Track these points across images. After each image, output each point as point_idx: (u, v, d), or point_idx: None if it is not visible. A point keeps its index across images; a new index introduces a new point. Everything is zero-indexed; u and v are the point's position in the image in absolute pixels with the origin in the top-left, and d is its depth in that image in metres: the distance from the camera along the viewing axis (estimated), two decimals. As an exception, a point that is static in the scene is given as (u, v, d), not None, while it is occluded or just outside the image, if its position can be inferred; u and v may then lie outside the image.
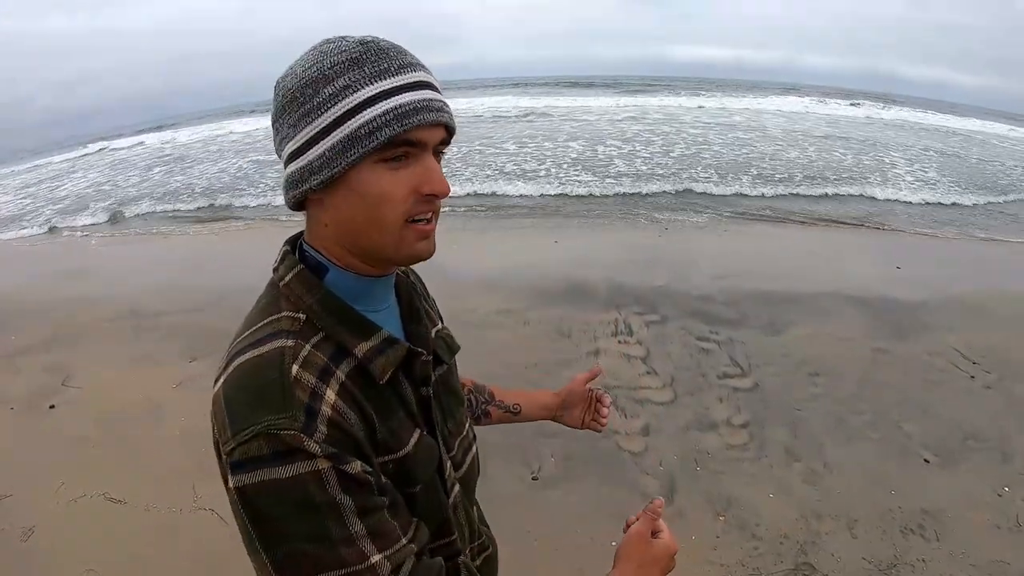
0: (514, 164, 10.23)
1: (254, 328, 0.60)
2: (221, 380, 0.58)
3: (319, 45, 0.59)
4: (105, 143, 20.80)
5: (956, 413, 2.93)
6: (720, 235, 6.43)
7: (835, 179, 9.35)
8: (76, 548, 2.21)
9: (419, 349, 0.66)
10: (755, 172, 9.64)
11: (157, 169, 13.52)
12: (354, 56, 0.56)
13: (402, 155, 0.58)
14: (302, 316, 0.60)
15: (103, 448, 2.81)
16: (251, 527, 0.54)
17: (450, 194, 0.62)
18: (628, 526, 0.77)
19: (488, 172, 9.66)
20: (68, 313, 4.46)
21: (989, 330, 3.80)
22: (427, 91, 0.58)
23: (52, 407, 3.18)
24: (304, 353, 0.57)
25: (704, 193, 8.38)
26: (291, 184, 0.61)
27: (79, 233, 8.33)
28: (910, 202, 8.29)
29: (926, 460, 2.60)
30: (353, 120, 0.55)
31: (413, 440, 0.64)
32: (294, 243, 0.66)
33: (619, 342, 3.65)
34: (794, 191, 8.55)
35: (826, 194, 8.44)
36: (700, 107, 19.90)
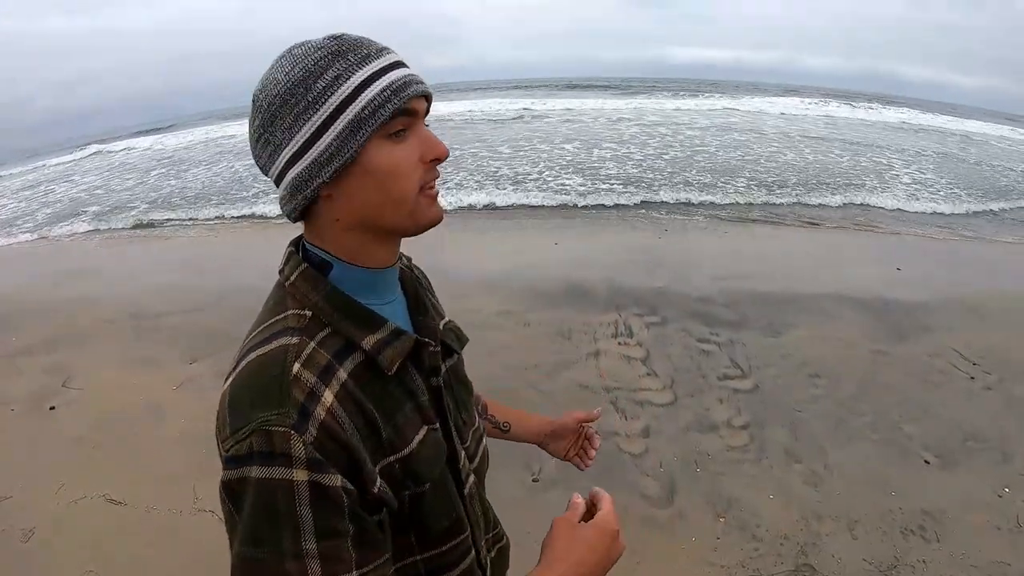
0: (522, 175, 10.20)
1: (262, 327, 0.61)
2: (229, 380, 0.59)
3: (289, 52, 0.60)
4: (100, 146, 20.76)
5: (956, 414, 2.93)
6: (720, 236, 6.43)
7: (835, 180, 9.36)
8: (76, 549, 2.21)
9: (427, 339, 0.67)
10: (753, 172, 9.65)
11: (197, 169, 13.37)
12: (333, 50, 0.58)
13: (402, 129, 0.60)
14: (308, 313, 0.61)
15: (103, 449, 2.81)
16: (225, 520, 0.56)
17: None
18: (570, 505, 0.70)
19: (488, 179, 9.62)
20: (68, 314, 4.47)
21: (989, 331, 3.80)
22: (405, 68, 0.61)
23: (52, 408, 3.18)
24: (307, 351, 0.58)
25: (704, 193, 8.36)
26: (297, 188, 0.60)
27: (72, 239, 8.31)
28: (911, 203, 8.29)
29: (926, 461, 2.60)
30: (354, 104, 0.57)
31: (418, 438, 0.64)
32: (298, 245, 0.67)
33: (619, 343, 3.65)
34: (794, 192, 8.54)
35: (826, 195, 8.43)
36: (699, 108, 19.90)
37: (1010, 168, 11.73)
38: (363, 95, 0.57)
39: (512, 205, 8.13)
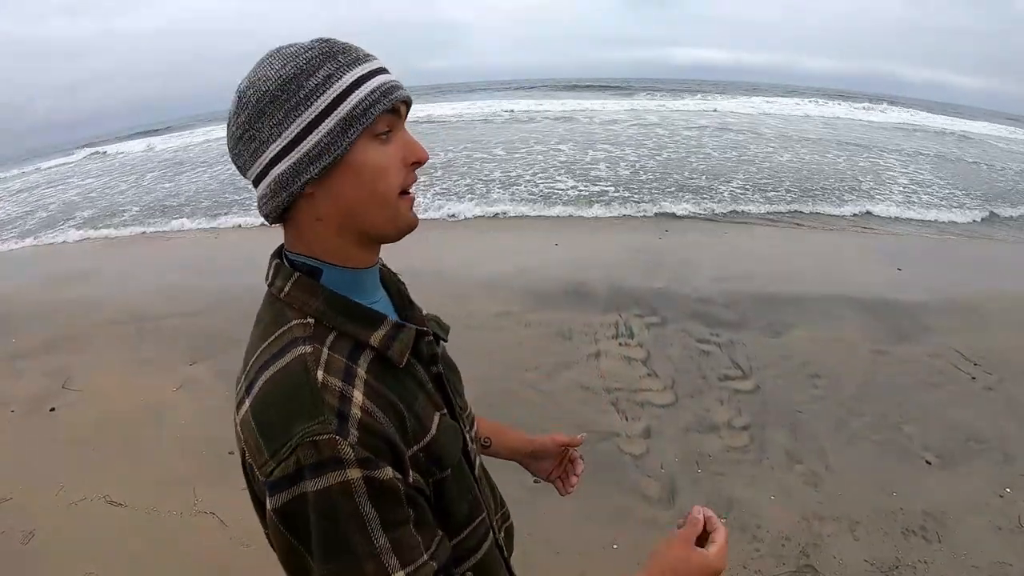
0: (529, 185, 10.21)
1: (267, 343, 0.61)
2: (247, 404, 0.58)
3: (278, 51, 0.60)
4: (95, 149, 20.72)
5: (957, 414, 2.92)
6: (720, 237, 6.42)
7: (836, 180, 9.36)
8: (76, 551, 2.21)
9: (423, 329, 0.68)
10: (755, 173, 9.65)
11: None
12: (323, 51, 0.60)
13: (387, 130, 0.62)
14: (311, 320, 0.61)
15: (103, 451, 2.81)
16: (299, 545, 0.55)
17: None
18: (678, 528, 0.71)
19: (487, 180, 9.63)
20: (68, 315, 4.47)
21: (990, 331, 3.80)
22: (388, 74, 0.63)
23: (53, 410, 3.18)
24: (324, 356, 0.58)
25: (704, 193, 8.36)
26: (281, 185, 0.60)
27: (72, 240, 8.31)
28: (911, 203, 8.28)
29: (927, 462, 2.60)
30: (345, 103, 0.58)
31: (435, 423, 0.65)
32: (280, 256, 0.66)
33: (620, 344, 3.65)
34: (794, 192, 8.54)
35: (827, 196, 8.43)
36: (698, 110, 19.90)
37: (1010, 168, 11.73)
38: (354, 95, 0.59)
39: (510, 209, 8.08)
